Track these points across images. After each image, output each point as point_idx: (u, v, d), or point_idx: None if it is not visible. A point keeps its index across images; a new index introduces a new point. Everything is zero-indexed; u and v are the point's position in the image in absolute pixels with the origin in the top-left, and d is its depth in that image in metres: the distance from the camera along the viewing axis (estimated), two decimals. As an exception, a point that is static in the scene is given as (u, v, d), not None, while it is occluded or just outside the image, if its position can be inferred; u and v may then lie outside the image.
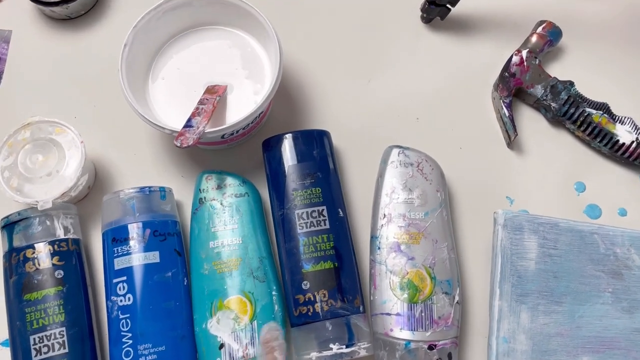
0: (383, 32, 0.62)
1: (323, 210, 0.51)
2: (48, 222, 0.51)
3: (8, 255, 0.50)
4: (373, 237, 0.52)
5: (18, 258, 0.50)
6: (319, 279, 0.49)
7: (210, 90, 0.54)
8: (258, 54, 0.56)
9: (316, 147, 0.54)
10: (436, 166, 0.54)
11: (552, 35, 0.59)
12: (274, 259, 0.53)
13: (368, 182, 0.56)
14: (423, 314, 0.49)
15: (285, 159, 0.53)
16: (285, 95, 0.60)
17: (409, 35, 0.62)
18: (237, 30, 0.57)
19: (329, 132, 0.55)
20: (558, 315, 0.50)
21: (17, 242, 0.50)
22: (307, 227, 0.51)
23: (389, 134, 0.58)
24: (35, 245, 0.50)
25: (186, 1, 0.54)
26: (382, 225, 0.52)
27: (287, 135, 0.53)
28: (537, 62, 0.58)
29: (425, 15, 0.61)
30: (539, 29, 0.59)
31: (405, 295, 0.49)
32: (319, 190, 0.52)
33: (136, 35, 0.53)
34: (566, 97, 0.56)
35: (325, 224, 0.51)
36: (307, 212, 0.51)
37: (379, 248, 0.51)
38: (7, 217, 0.51)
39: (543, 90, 0.57)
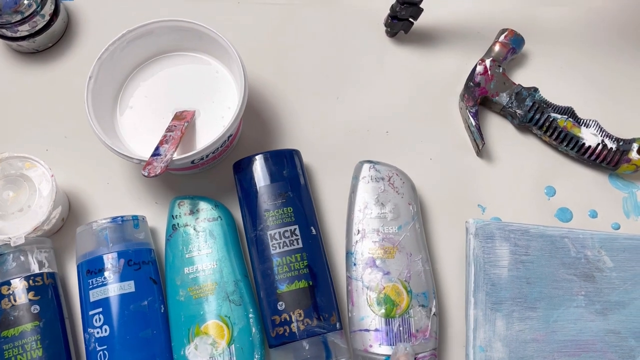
0: (349, 48, 0.63)
1: (295, 229, 0.52)
2: (22, 258, 0.51)
3: (-17, 293, 0.50)
4: (348, 253, 0.53)
5: (-7, 295, 0.50)
6: (294, 298, 0.49)
7: (179, 116, 0.54)
8: (224, 77, 0.57)
9: (287, 167, 0.54)
10: (407, 179, 0.54)
11: (514, 43, 0.59)
12: (250, 281, 0.53)
13: (341, 199, 0.56)
14: (401, 328, 0.49)
15: (256, 180, 0.53)
16: (255, 116, 0.60)
17: (375, 50, 0.63)
18: (201, 54, 0.57)
19: (299, 150, 0.56)
20: (533, 321, 0.50)
21: (-8, 280, 0.50)
22: (280, 247, 0.51)
23: (360, 149, 0.59)
24: (11, 281, 0.50)
25: (147, 30, 0.55)
26: (356, 241, 0.52)
27: (257, 157, 0.54)
28: (500, 71, 0.58)
29: (389, 29, 0.62)
30: (501, 38, 0.60)
31: (383, 311, 0.49)
32: (290, 209, 0.52)
33: (101, 66, 0.53)
34: (531, 104, 0.57)
35: (298, 243, 0.51)
36: (279, 232, 0.51)
37: (354, 264, 0.51)
38: (-20, 254, 0.51)
39: (508, 98, 0.58)
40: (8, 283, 0.50)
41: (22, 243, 0.50)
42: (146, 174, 0.48)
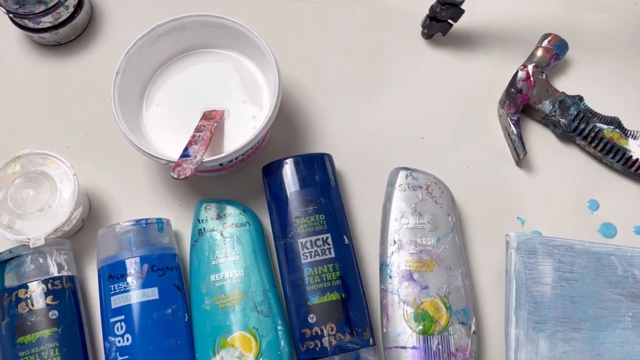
0: (383, 49, 0.60)
1: (327, 238, 0.49)
2: (41, 260, 0.49)
3: (0, 296, 0.48)
4: (383, 265, 0.50)
5: (10, 299, 0.47)
6: (326, 311, 0.47)
7: (207, 116, 0.52)
8: (255, 76, 0.54)
9: (318, 172, 0.52)
10: (445, 188, 0.52)
11: (558, 49, 0.57)
12: (278, 291, 0.50)
13: (374, 206, 0.53)
14: (440, 347, 0.46)
15: (286, 185, 0.51)
16: (284, 118, 0.58)
17: (410, 52, 0.60)
18: (232, 52, 0.55)
19: (331, 155, 0.53)
20: (577, 343, 0.47)
21: (9, 282, 0.48)
22: (311, 257, 0.48)
23: (393, 154, 0.56)
24: (29, 284, 0.47)
25: (179, 24, 0.52)
26: (392, 252, 0.50)
27: (287, 160, 0.51)
28: (544, 77, 0.56)
29: (426, 31, 0.59)
30: (545, 43, 0.57)
31: (421, 327, 0.47)
32: (322, 217, 0.50)
33: (128, 61, 0.51)
34: (576, 113, 0.54)
35: (330, 253, 0.49)
36: (310, 241, 0.49)
37: (390, 277, 0.49)
38: (-3, 255, 0.49)
39: (551, 106, 0.55)
40: (25, 286, 0.47)
41: (42, 244, 0.48)
42: (175, 176, 0.45)
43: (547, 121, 0.56)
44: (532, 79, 0.55)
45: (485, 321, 0.51)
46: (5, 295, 0.47)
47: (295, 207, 0.50)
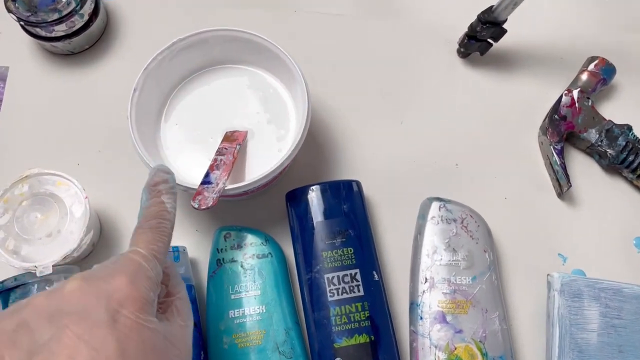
0: (415, 68, 0.57)
1: (356, 274, 0.46)
2: (48, 288, 0.45)
3: (2, 327, 0.44)
4: (413, 304, 0.46)
5: (13, 331, 0.44)
6: (353, 355, 0.43)
7: (229, 137, 0.48)
8: (281, 95, 0.51)
9: (346, 200, 0.48)
10: (482, 222, 0.48)
11: (605, 73, 0.53)
12: (301, 330, 0.47)
13: (404, 239, 0.50)
14: (474, 397, 0.43)
15: (312, 215, 0.47)
16: (310, 140, 0.54)
17: (445, 72, 0.57)
18: (256, 69, 0.52)
19: (360, 182, 0.50)
20: (626, 397, 0.44)
21: (13, 312, 0.44)
22: (338, 294, 0.45)
23: (425, 182, 0.52)
24: (33, 315, 0.44)
25: (201, 38, 0.49)
26: (423, 290, 0.46)
27: (313, 187, 0.48)
28: (589, 104, 0.52)
29: (463, 49, 0.56)
30: (591, 66, 0.53)
31: (454, 375, 0.43)
32: (350, 250, 0.46)
33: (147, 78, 0.47)
34: (624, 143, 0.51)
35: (359, 290, 0.45)
36: (338, 277, 0.45)
37: (420, 318, 0.45)
38: (1, 282, 0.45)
39: (597, 135, 0.51)
40: (31, 317, 0.44)
41: (49, 273, 0.45)
42: (197, 206, 0.42)
43: (591, 151, 0.53)
44: (577, 105, 0.52)
45: (525, 369, 0.47)
46: (9, 327, 0.44)
47: (321, 238, 0.46)
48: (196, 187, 0.43)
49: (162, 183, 0.36)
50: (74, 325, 0.28)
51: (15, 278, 0.45)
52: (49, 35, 0.54)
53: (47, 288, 0.45)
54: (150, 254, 0.33)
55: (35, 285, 0.45)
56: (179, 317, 0.34)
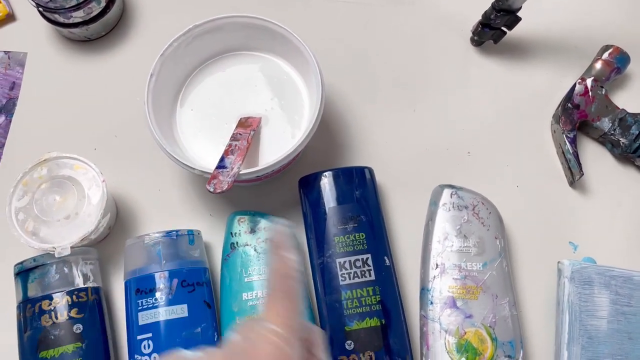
0: (428, 56, 0.57)
1: (367, 258, 0.46)
2: (66, 270, 0.46)
3: (22, 306, 0.46)
4: (424, 289, 0.47)
5: (33, 310, 0.45)
6: (365, 338, 0.44)
7: (244, 123, 0.49)
8: (295, 82, 0.51)
9: (359, 186, 0.49)
10: (494, 209, 0.48)
11: (619, 62, 0.53)
12: (313, 312, 0.47)
13: (415, 226, 0.50)
14: (483, 381, 0.43)
15: (325, 200, 0.48)
16: (323, 127, 0.54)
17: (458, 60, 0.57)
18: (271, 55, 0.52)
19: (372, 168, 0.50)
20: (635, 383, 0.44)
21: (33, 292, 0.46)
22: (350, 278, 0.46)
23: (437, 170, 0.53)
24: (53, 295, 0.45)
25: (216, 25, 0.49)
26: (434, 276, 0.47)
27: (326, 173, 0.48)
28: (603, 92, 0.52)
29: (476, 38, 0.56)
30: (605, 55, 0.53)
31: (463, 359, 0.44)
32: (362, 235, 0.47)
33: (163, 63, 0.48)
34: (637, 132, 0.51)
35: (370, 275, 0.46)
36: (349, 261, 0.46)
37: (431, 302, 0.46)
38: (21, 263, 0.46)
39: (610, 124, 0.51)
40: (50, 297, 0.45)
41: (67, 254, 0.46)
42: (212, 190, 0.42)
43: (604, 140, 0.53)
44: (590, 93, 0.52)
45: (534, 355, 0.48)
46: (29, 307, 0.45)
47: (333, 223, 0.47)
48: (211, 171, 0.44)
49: (286, 240, 0.35)
50: None
51: (34, 259, 0.46)
52: (66, 21, 0.55)
53: (65, 270, 0.46)
54: (290, 334, 0.31)
55: (54, 266, 0.46)
56: None
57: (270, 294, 0.33)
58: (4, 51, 0.58)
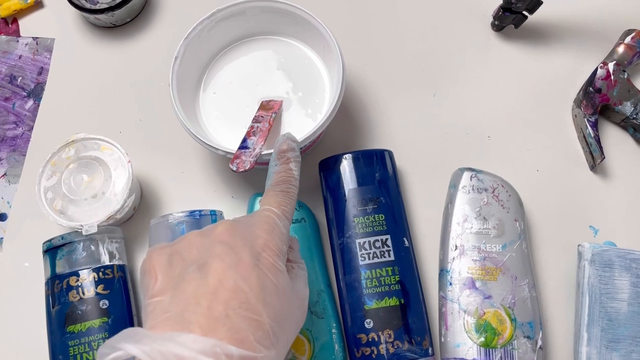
0: (448, 40, 0.57)
1: (387, 239, 0.47)
2: (93, 247, 0.48)
3: (51, 282, 0.47)
4: (443, 271, 0.47)
5: (61, 286, 0.46)
6: (384, 317, 0.45)
7: (265, 106, 0.50)
8: (316, 66, 0.52)
9: (378, 169, 0.49)
10: (513, 192, 0.49)
11: (642, 46, 0.53)
12: (333, 291, 0.48)
13: (435, 208, 0.51)
14: (502, 361, 0.44)
15: (344, 182, 0.48)
16: (343, 110, 0.55)
17: (479, 44, 0.57)
18: (293, 40, 0.53)
19: (392, 151, 0.51)
20: (655, 366, 0.44)
21: (60, 269, 0.47)
22: (369, 258, 0.46)
23: (457, 153, 0.53)
24: (80, 272, 0.47)
25: (239, 9, 0.50)
26: (453, 257, 0.47)
27: (346, 156, 0.49)
28: (625, 76, 0.52)
29: (497, 22, 0.56)
30: (627, 39, 0.53)
31: (482, 339, 0.44)
32: (382, 217, 0.47)
33: (187, 46, 0.49)
34: (660, 116, 0.50)
35: (389, 255, 0.46)
36: (369, 242, 0.46)
37: (450, 283, 0.46)
38: (49, 240, 0.48)
39: (633, 108, 0.51)
40: (77, 274, 0.47)
41: (94, 232, 0.47)
42: (235, 169, 0.43)
43: (626, 124, 0.52)
44: (612, 77, 0.51)
45: (553, 336, 0.48)
46: (57, 282, 0.47)
47: (353, 205, 0.48)
48: (234, 151, 0.45)
49: (290, 151, 0.40)
50: (224, 255, 0.33)
51: (62, 237, 0.48)
52: (93, 7, 0.56)
53: (91, 248, 0.47)
54: (282, 214, 0.37)
55: (81, 244, 0.47)
56: (300, 281, 0.37)
57: (270, 189, 0.39)
58: (33, 37, 0.59)
